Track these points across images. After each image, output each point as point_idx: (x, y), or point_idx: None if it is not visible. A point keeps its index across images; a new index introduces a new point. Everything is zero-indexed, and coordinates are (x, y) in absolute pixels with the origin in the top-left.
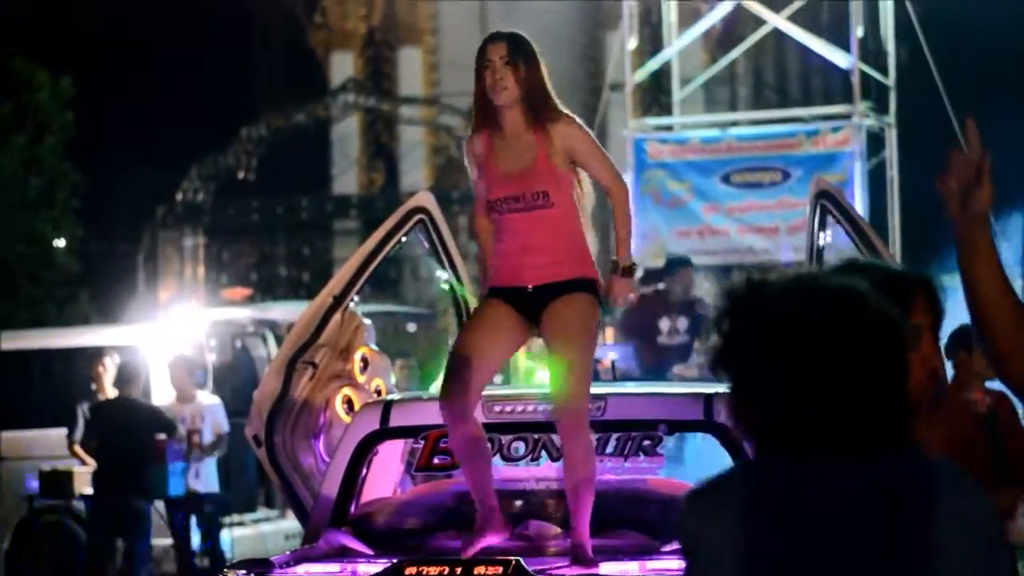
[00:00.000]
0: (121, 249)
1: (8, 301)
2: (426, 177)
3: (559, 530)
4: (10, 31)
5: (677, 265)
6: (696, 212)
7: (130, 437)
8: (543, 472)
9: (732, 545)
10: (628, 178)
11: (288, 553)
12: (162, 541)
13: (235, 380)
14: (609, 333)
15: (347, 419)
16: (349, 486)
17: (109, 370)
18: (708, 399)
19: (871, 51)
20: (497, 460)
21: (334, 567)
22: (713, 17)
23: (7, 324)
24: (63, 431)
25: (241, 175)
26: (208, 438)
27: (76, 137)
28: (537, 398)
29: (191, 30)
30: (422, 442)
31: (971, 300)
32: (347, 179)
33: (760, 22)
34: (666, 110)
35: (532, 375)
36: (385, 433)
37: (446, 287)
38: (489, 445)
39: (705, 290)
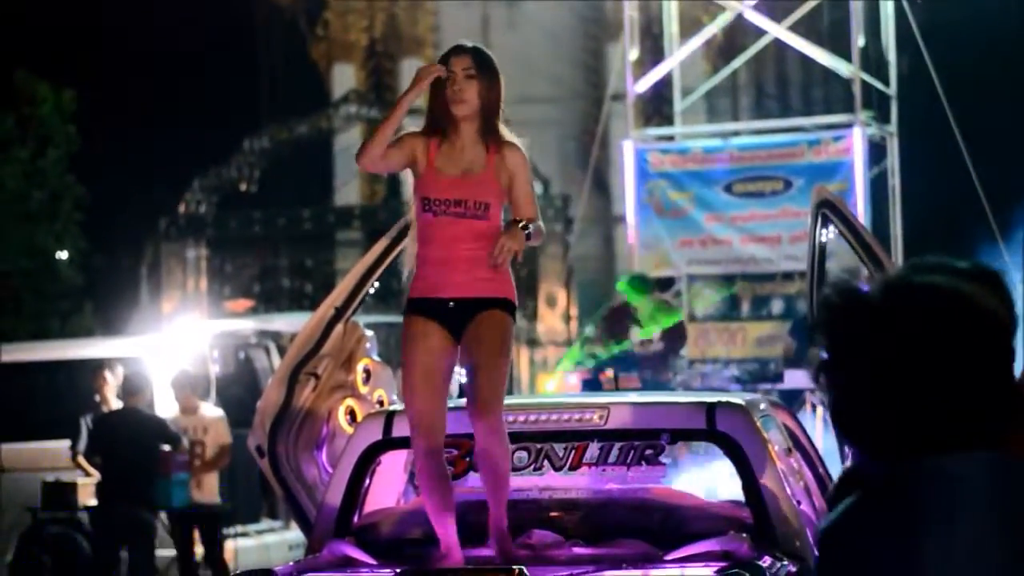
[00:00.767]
0: (124, 262)
1: (11, 314)
2: None
3: (562, 539)
4: (12, 45)
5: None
6: (698, 222)
7: (134, 448)
8: (546, 481)
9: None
10: (630, 189)
11: (291, 563)
12: (166, 552)
13: (238, 391)
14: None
15: (350, 430)
16: (352, 496)
17: (113, 382)
18: (711, 408)
19: (872, 60)
20: None
21: None
22: (714, 27)
23: (10, 337)
24: (67, 443)
25: (243, 187)
26: (211, 450)
27: (79, 150)
28: (541, 408)
29: (193, 42)
30: None
31: None
32: (349, 190)
33: (761, 32)
34: (668, 120)
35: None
36: (388, 443)
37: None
38: (448, 471)
39: (706, 298)
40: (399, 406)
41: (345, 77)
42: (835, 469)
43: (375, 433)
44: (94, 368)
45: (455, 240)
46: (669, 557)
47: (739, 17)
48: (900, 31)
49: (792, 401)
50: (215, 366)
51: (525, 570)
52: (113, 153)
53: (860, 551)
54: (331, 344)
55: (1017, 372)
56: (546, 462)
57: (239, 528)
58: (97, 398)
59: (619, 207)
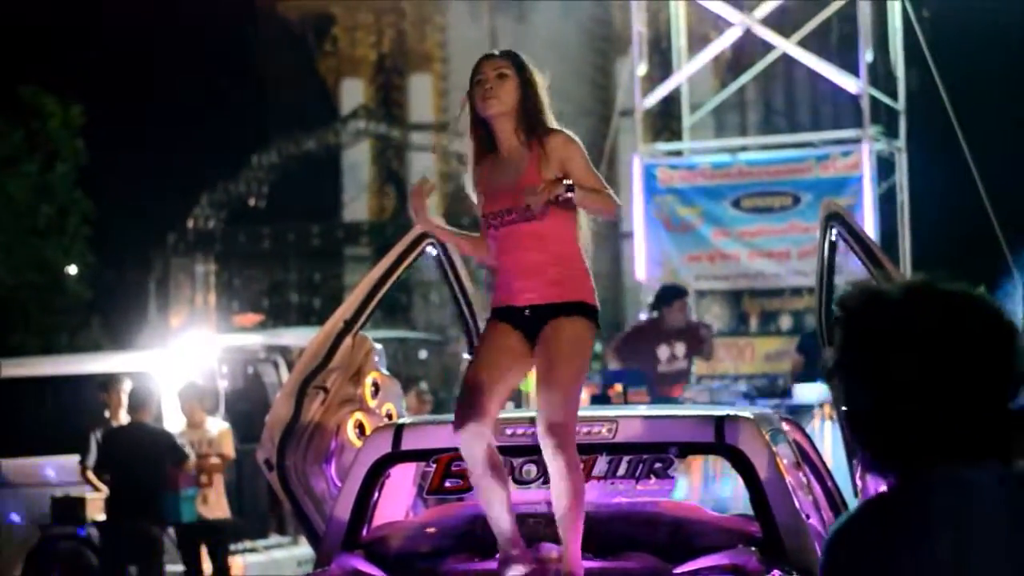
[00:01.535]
0: (132, 276)
1: (20, 329)
2: (436, 203)
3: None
4: (20, 60)
5: (672, 296)
6: (706, 237)
7: (142, 463)
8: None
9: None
10: (638, 204)
11: (300, 575)
12: (174, 567)
13: (247, 406)
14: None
15: (358, 443)
16: (361, 510)
17: (122, 396)
18: (719, 421)
19: (880, 75)
20: (514, 483)
21: None
22: (722, 43)
23: (19, 352)
24: (75, 458)
25: (252, 202)
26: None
27: (87, 165)
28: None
29: (201, 58)
30: (434, 465)
31: None
32: (358, 206)
33: (769, 47)
34: (676, 136)
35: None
36: (397, 456)
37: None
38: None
39: (715, 314)
40: (408, 419)
41: (353, 93)
42: (844, 484)
43: (384, 446)
44: (102, 383)
45: (517, 248)
46: (678, 571)
47: (747, 32)
48: (908, 46)
49: (801, 416)
50: (223, 381)
51: None
52: (121, 168)
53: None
54: (340, 358)
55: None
56: None
57: (247, 543)
58: (107, 413)
59: (627, 223)
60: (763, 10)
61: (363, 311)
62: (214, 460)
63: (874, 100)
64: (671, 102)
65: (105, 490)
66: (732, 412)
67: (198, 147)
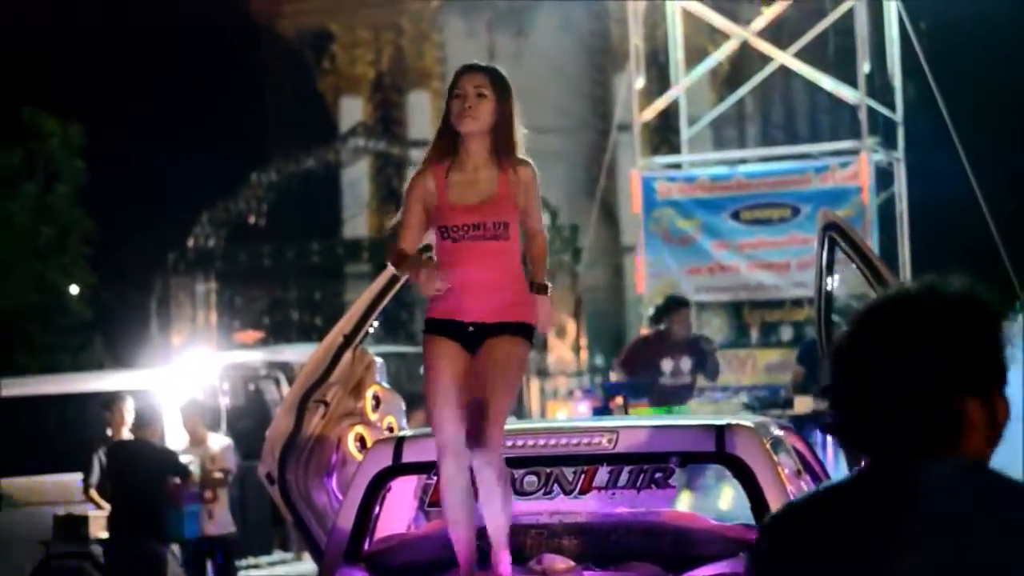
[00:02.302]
0: (133, 296)
1: (22, 349)
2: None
3: (572, 563)
4: (20, 81)
5: (676, 306)
6: (706, 249)
7: (145, 481)
8: (556, 506)
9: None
10: (638, 216)
11: None
12: None
13: (248, 423)
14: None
15: (359, 456)
16: (362, 522)
17: (124, 414)
18: (720, 431)
19: (878, 87)
20: (515, 495)
21: None
22: (720, 56)
23: (21, 372)
24: (78, 476)
25: (252, 220)
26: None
27: (87, 185)
28: (550, 433)
29: (200, 76)
30: (435, 478)
31: None
32: (358, 223)
33: (767, 60)
34: (675, 149)
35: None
36: (398, 469)
37: None
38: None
39: (716, 326)
40: (409, 432)
41: (352, 110)
42: None
43: (385, 459)
44: (104, 401)
45: (477, 263)
46: None
47: (745, 46)
48: (906, 57)
49: (802, 427)
50: (225, 398)
51: None
52: (121, 187)
53: (804, 546)
54: (340, 371)
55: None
56: (556, 486)
57: (251, 560)
58: (109, 431)
59: (627, 236)
60: (760, 23)
61: (362, 325)
62: (217, 475)
63: (872, 111)
64: (669, 116)
65: (108, 508)
66: (732, 421)
67: (197, 166)
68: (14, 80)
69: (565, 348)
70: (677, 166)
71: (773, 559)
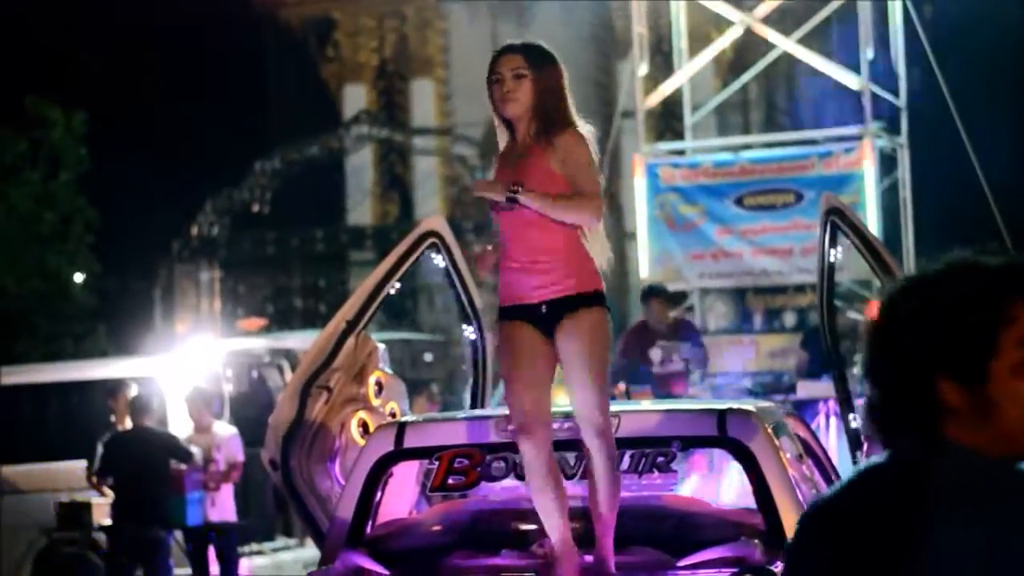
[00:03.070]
0: (137, 283)
1: (25, 337)
2: (440, 207)
3: (577, 547)
4: (23, 69)
5: (648, 296)
6: (709, 235)
7: (145, 467)
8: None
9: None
10: (641, 203)
11: (305, 575)
12: (181, 571)
13: (252, 410)
14: None
15: (362, 442)
16: (365, 507)
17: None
18: (722, 415)
19: (882, 72)
20: (516, 479)
21: None
22: (723, 42)
23: (24, 360)
24: (81, 463)
25: (256, 208)
26: (224, 468)
27: (90, 173)
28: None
29: (203, 64)
30: (437, 463)
31: None
32: (361, 210)
33: (770, 46)
34: (678, 136)
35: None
36: (400, 454)
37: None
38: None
39: (719, 312)
40: (411, 417)
41: (356, 97)
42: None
43: (387, 444)
44: (108, 389)
45: (518, 234)
46: (681, 563)
47: (748, 32)
48: (909, 43)
49: (806, 413)
50: (228, 385)
51: None
52: (125, 175)
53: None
54: (343, 357)
55: None
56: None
57: (254, 546)
58: (113, 419)
59: (631, 222)
60: (764, 9)
61: (365, 311)
62: (224, 468)
63: (876, 97)
64: (673, 102)
65: (110, 495)
66: (734, 405)
67: (201, 154)
68: (18, 68)
69: None
70: (681, 152)
71: (804, 556)
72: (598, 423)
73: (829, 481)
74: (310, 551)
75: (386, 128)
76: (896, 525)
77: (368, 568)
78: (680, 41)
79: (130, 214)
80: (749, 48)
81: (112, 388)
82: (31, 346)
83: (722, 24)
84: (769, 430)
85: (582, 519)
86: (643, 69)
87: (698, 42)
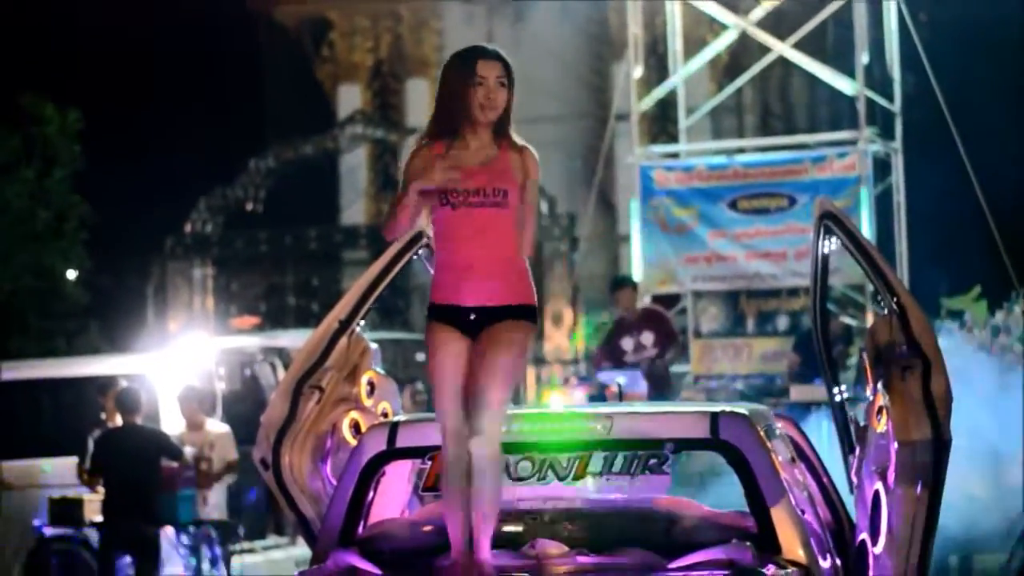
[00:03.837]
0: (130, 281)
1: (18, 334)
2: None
3: (566, 549)
4: (17, 66)
5: (615, 286)
6: (703, 238)
7: (136, 464)
8: (549, 492)
9: None
10: (635, 206)
11: (296, 574)
12: (173, 569)
13: (244, 408)
14: None
15: (354, 442)
16: (356, 507)
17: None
18: (714, 417)
19: (876, 78)
20: (504, 480)
21: None
22: (718, 46)
23: (18, 356)
24: (73, 460)
25: (249, 207)
26: (217, 466)
27: (84, 170)
28: (544, 419)
29: (199, 63)
30: (429, 462)
31: None
32: (355, 210)
33: (765, 50)
34: (673, 139)
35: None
36: (392, 454)
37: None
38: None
39: (712, 315)
40: (403, 417)
41: (350, 97)
42: (840, 480)
43: (379, 444)
44: (100, 385)
45: (475, 231)
46: (673, 565)
47: (743, 36)
48: (904, 48)
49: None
50: (221, 383)
51: None
52: (119, 173)
53: None
54: (335, 357)
55: None
56: (550, 472)
57: (245, 544)
58: (104, 415)
59: (624, 225)
60: (759, 13)
61: (358, 311)
62: (217, 467)
63: (870, 102)
64: (668, 105)
65: (102, 491)
66: (727, 408)
67: (195, 152)
68: (12, 65)
69: (562, 336)
70: (675, 155)
71: None
72: (493, 433)
73: (821, 484)
74: (301, 549)
75: (381, 128)
76: None
77: (360, 567)
78: (675, 44)
79: (124, 211)
80: (744, 52)
81: (102, 385)
82: (24, 342)
83: (717, 27)
84: (762, 433)
85: (574, 521)
86: (638, 72)
87: (693, 45)
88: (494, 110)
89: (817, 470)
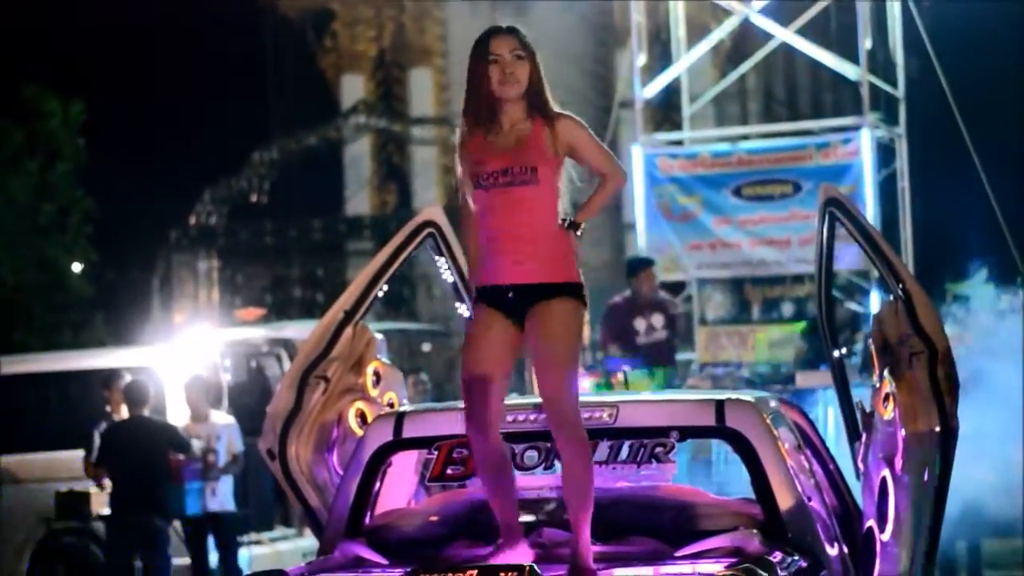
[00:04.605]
0: (135, 273)
1: (23, 327)
2: (438, 197)
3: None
4: (21, 59)
5: (638, 266)
6: (707, 226)
7: (143, 457)
8: (556, 480)
9: None
10: (639, 193)
11: (303, 565)
12: (180, 560)
13: (250, 399)
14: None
15: (360, 432)
16: (363, 497)
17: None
18: (720, 405)
19: (880, 63)
20: (516, 468)
21: None
22: (722, 32)
23: (23, 349)
24: (80, 453)
25: (254, 198)
26: (223, 458)
27: (88, 163)
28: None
29: (202, 54)
30: (435, 453)
31: None
32: (360, 200)
33: (769, 36)
34: (677, 126)
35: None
36: (398, 444)
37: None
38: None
39: (717, 303)
40: (409, 407)
41: (354, 87)
42: (846, 467)
43: (385, 434)
44: (105, 378)
45: (505, 211)
46: (680, 553)
47: (747, 22)
48: (907, 33)
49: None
50: (227, 374)
51: (536, 568)
52: (123, 165)
53: None
54: (341, 347)
55: None
56: (556, 461)
57: (253, 536)
58: (109, 408)
59: (629, 213)
60: None
61: (363, 301)
62: (223, 459)
63: (874, 87)
64: (671, 93)
65: (108, 485)
66: (733, 395)
67: (199, 144)
68: (15, 58)
69: None
70: (679, 143)
71: None
72: (569, 419)
73: (827, 471)
74: (309, 540)
75: (384, 118)
76: None
77: (367, 558)
78: (678, 31)
79: (128, 204)
80: (747, 38)
81: (107, 377)
82: (29, 335)
83: (720, 14)
84: (767, 420)
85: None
86: (641, 59)
87: (696, 32)
88: (516, 84)
89: (823, 457)
